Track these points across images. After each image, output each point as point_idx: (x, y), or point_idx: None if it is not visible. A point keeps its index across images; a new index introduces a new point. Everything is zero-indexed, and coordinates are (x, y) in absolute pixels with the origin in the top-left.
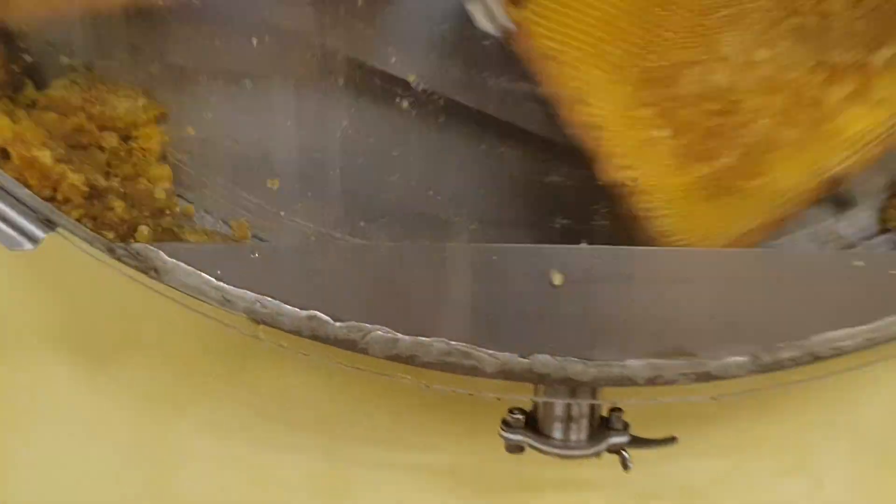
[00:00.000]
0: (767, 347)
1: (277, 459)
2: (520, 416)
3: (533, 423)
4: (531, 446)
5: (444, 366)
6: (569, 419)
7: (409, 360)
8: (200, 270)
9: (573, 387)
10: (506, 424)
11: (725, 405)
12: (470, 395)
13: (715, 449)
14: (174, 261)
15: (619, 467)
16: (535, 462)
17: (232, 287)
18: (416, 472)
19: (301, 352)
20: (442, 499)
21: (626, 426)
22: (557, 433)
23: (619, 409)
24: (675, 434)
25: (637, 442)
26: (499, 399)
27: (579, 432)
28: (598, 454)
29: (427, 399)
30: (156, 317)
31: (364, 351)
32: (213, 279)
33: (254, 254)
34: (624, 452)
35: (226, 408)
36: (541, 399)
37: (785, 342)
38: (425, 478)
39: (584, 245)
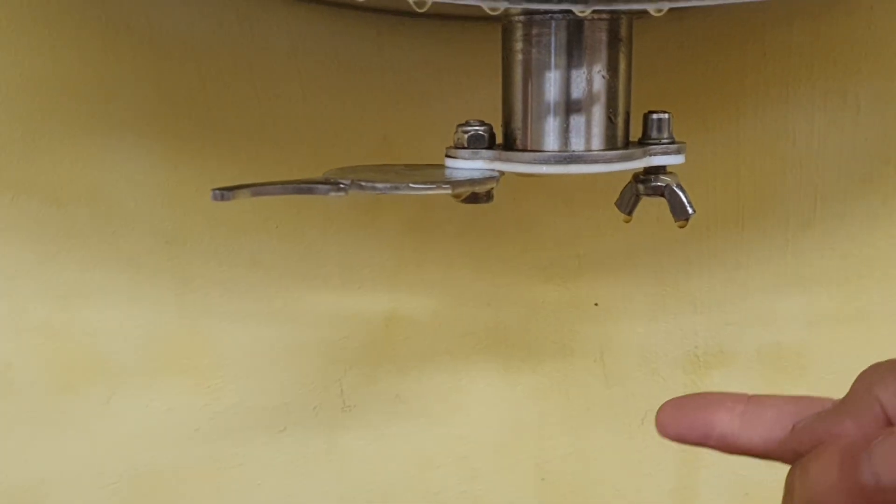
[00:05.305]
0: None
1: None
2: (479, 128)
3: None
4: (501, 172)
5: None
6: (569, 108)
7: None
8: None
9: None
10: (456, 147)
11: None
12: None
13: None
14: None
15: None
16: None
17: None
18: None
19: None
20: None
21: (672, 140)
22: (551, 138)
23: (664, 112)
24: None
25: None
26: None
27: (588, 137)
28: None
29: None
30: None
31: None
32: None
33: None
34: (678, 190)
35: None
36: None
37: None
38: None
39: None
